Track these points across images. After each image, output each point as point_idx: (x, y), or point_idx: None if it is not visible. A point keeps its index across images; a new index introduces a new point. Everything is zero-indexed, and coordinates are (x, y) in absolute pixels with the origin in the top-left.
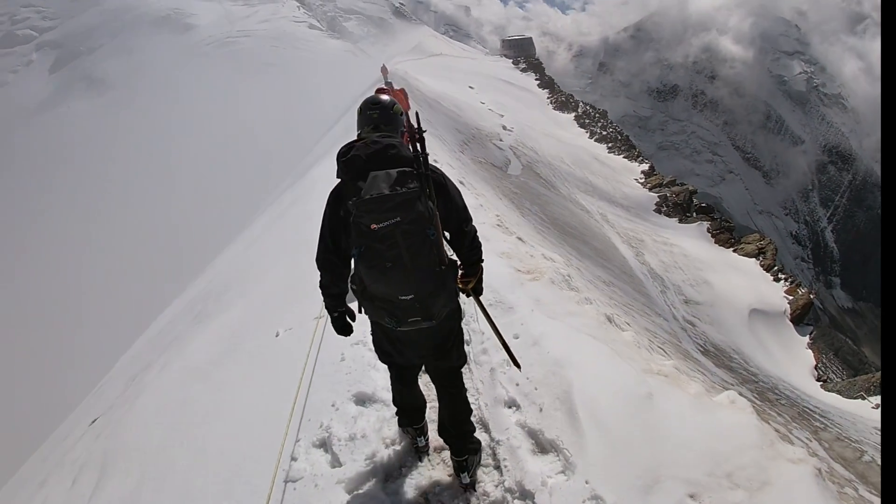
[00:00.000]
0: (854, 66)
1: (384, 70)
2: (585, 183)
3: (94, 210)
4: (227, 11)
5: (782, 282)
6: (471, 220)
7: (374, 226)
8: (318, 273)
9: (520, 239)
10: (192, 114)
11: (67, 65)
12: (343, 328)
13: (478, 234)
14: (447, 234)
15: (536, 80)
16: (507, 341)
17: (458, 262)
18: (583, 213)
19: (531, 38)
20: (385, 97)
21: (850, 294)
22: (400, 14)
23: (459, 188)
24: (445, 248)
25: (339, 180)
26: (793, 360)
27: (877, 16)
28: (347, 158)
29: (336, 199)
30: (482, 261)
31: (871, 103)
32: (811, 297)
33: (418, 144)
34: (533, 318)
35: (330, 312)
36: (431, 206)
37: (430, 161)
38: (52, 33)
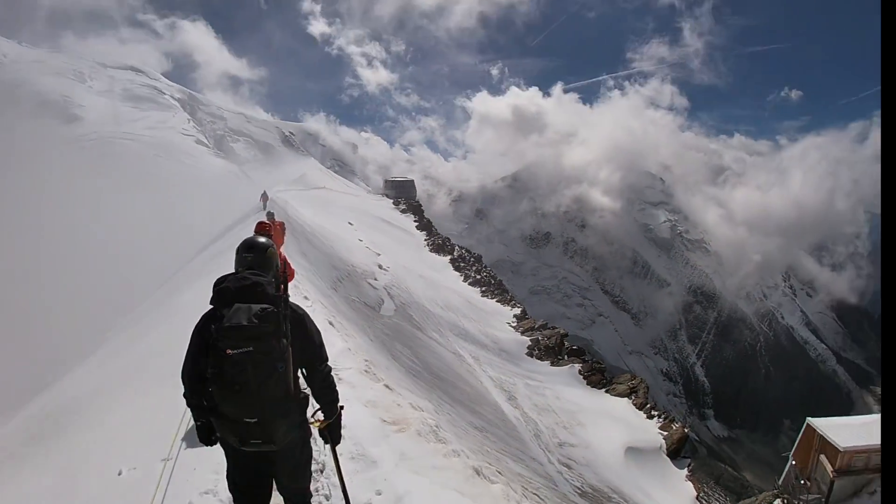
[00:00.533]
0: (715, 214)
1: (264, 197)
2: (458, 327)
3: None
4: (117, 111)
5: (656, 418)
6: (325, 360)
7: (229, 351)
8: (182, 390)
9: (388, 387)
10: (58, 208)
11: None
12: (206, 437)
13: (332, 373)
14: (303, 370)
15: (415, 221)
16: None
17: (313, 399)
18: (455, 357)
19: (413, 180)
20: (262, 240)
21: (725, 423)
22: (289, 143)
23: (328, 329)
24: (301, 384)
25: (211, 306)
26: (673, 494)
27: (736, 167)
28: (220, 289)
29: (205, 322)
30: (337, 401)
31: (732, 246)
32: (685, 430)
33: (282, 286)
34: (397, 474)
35: (195, 420)
36: (285, 342)
37: (300, 299)
38: None
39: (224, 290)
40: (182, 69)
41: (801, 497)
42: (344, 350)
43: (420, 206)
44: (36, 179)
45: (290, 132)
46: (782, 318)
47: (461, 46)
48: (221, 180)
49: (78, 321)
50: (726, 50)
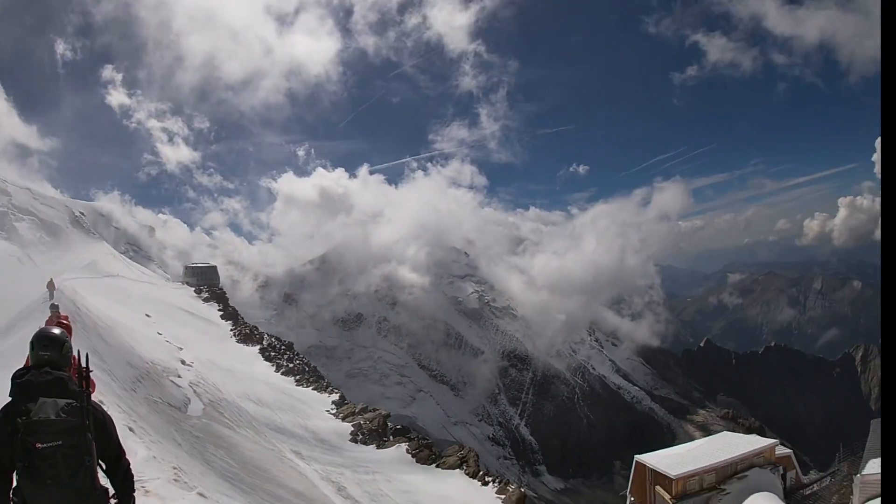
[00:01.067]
0: (518, 281)
1: (51, 285)
2: (274, 421)
3: None
4: None
5: (491, 484)
6: (124, 454)
7: (38, 445)
8: None
9: (202, 495)
10: None
11: None
12: None
13: (131, 467)
14: (102, 464)
15: (220, 310)
16: None
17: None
18: (275, 455)
19: (216, 266)
20: (56, 331)
21: (559, 476)
22: (78, 224)
23: (128, 435)
24: (101, 478)
25: (9, 399)
26: None
27: (533, 237)
28: (22, 382)
29: (6, 416)
30: (134, 492)
31: (538, 309)
32: (522, 490)
33: (84, 382)
34: None
35: None
36: (90, 437)
37: (95, 398)
38: None
39: (27, 384)
40: None
41: None
42: (148, 458)
43: (224, 293)
44: None
45: (80, 212)
46: (593, 368)
47: (267, 124)
48: (2, 266)
49: None
50: (520, 131)
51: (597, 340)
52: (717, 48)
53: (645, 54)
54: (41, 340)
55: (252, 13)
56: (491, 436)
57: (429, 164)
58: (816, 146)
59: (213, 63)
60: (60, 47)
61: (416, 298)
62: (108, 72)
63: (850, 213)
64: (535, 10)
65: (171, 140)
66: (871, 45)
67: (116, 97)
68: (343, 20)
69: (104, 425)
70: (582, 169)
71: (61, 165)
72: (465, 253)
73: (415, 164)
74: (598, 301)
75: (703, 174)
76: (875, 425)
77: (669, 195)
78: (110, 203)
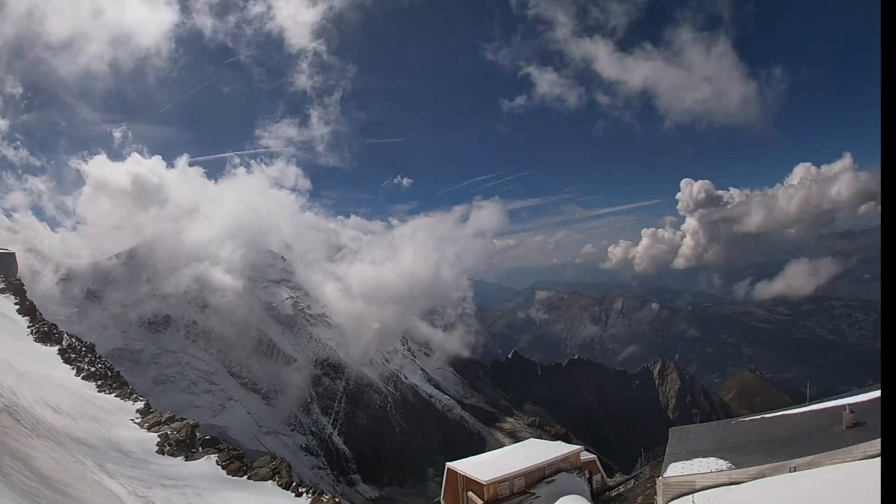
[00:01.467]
0: (334, 288)
1: None
2: (77, 429)
3: None
4: None
5: (304, 495)
6: None
7: None
8: None
9: None
10: None
11: None
12: None
13: None
14: None
15: (16, 303)
16: None
17: None
18: (78, 467)
19: (14, 253)
20: None
21: (374, 484)
22: None
23: None
24: None
25: None
26: None
27: (352, 245)
28: None
29: None
30: None
31: (352, 318)
32: (336, 500)
33: None
34: None
35: None
36: None
37: None
38: None
39: None
40: None
41: None
42: None
43: (22, 284)
44: None
45: None
46: (406, 377)
47: (84, 96)
48: None
49: None
50: (350, 137)
51: (409, 350)
52: (547, 82)
53: (480, 78)
54: None
55: None
56: (304, 445)
57: (252, 162)
58: (626, 181)
59: (33, 15)
60: None
61: (228, 302)
62: None
63: (652, 242)
64: (382, 19)
65: None
66: (689, 98)
67: None
68: None
69: None
70: (406, 181)
71: None
72: (282, 257)
73: (237, 160)
74: (412, 311)
75: (520, 197)
76: (673, 432)
77: (487, 214)
78: None
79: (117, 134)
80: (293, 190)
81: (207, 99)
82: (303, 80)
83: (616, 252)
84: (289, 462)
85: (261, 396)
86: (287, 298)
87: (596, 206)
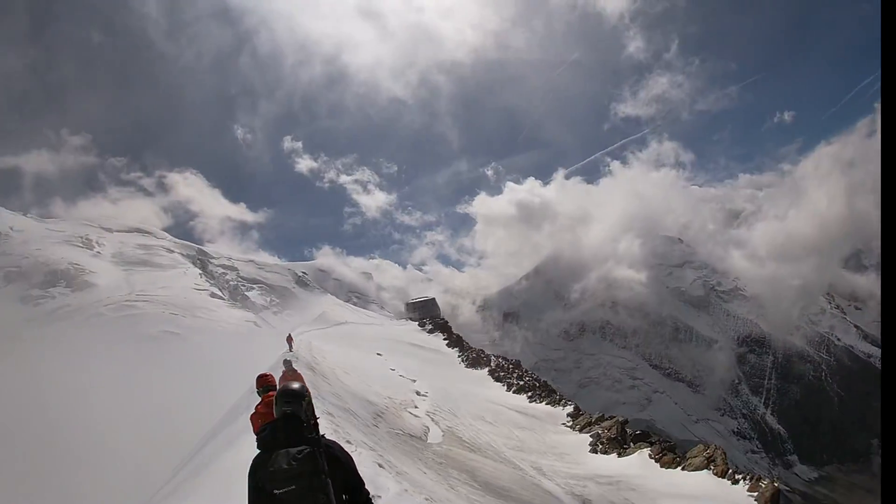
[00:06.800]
0: (740, 256)
1: (290, 339)
2: (512, 439)
3: None
4: (129, 274)
5: (741, 482)
6: (363, 484)
7: (276, 491)
8: None
9: None
10: (81, 376)
11: None
12: None
13: (371, 497)
14: (345, 496)
15: (445, 339)
16: None
17: None
18: (515, 472)
19: (434, 298)
20: (296, 386)
21: (812, 464)
22: (303, 283)
23: (379, 472)
24: None
25: (258, 452)
26: None
27: (750, 206)
28: (262, 437)
29: (253, 469)
30: None
31: (768, 283)
32: (775, 485)
33: (315, 427)
34: None
35: None
36: (324, 477)
37: (343, 443)
38: None
39: (265, 438)
40: (182, 221)
41: None
42: (400, 492)
43: (447, 323)
44: (58, 351)
45: (302, 272)
46: (838, 339)
47: (452, 155)
48: (242, 331)
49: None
50: (705, 92)
51: (838, 307)
52: None
53: None
54: (284, 396)
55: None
56: (735, 430)
57: (625, 154)
58: None
59: (394, 109)
60: (240, 133)
61: (636, 295)
62: (287, 143)
63: None
64: None
65: (365, 189)
66: None
67: (304, 164)
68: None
69: (339, 463)
70: (787, 116)
71: (273, 233)
72: (679, 239)
73: (608, 158)
74: (832, 261)
75: None
76: None
77: None
78: (326, 258)
79: (489, 172)
80: (675, 166)
81: (555, 116)
82: (635, 47)
83: None
84: (723, 449)
85: (686, 384)
86: (695, 279)
87: None
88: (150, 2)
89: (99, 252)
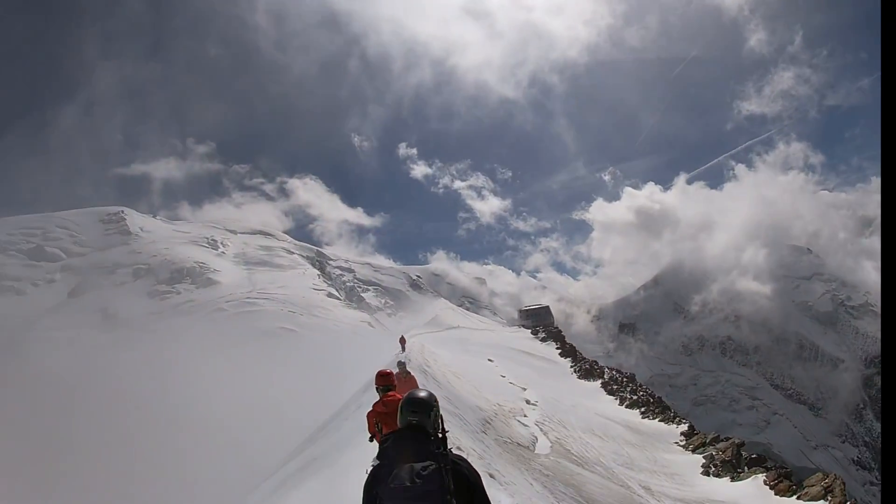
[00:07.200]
0: (871, 268)
1: (402, 341)
2: (622, 455)
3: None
4: (250, 273)
5: None
6: (489, 502)
7: None
8: None
9: None
10: (202, 366)
11: (86, 293)
12: None
13: None
14: None
15: (558, 348)
16: None
17: None
18: (623, 490)
19: (548, 306)
20: (423, 395)
21: None
22: (417, 286)
23: (490, 482)
24: None
25: (376, 462)
26: None
27: None
28: (383, 448)
29: (371, 481)
30: None
31: None
32: None
33: (442, 442)
34: None
35: None
36: (450, 498)
37: (454, 450)
38: (79, 259)
39: (387, 450)
40: (302, 224)
41: None
42: None
43: (560, 332)
44: (182, 342)
45: (416, 276)
46: None
47: (567, 159)
48: (357, 331)
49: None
50: (836, 86)
51: None
52: None
53: None
54: (410, 405)
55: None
56: (856, 458)
57: (751, 156)
58: None
59: (504, 110)
60: (356, 140)
61: (760, 309)
62: (402, 150)
63: None
64: None
65: (479, 195)
66: None
67: (419, 170)
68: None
69: (466, 482)
70: None
71: (389, 237)
72: (808, 248)
73: (732, 162)
74: None
75: None
76: None
77: None
78: (440, 263)
79: (606, 177)
80: (804, 169)
81: (673, 118)
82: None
83: None
84: (842, 479)
85: (807, 407)
86: (823, 293)
87: None
88: (259, 13)
89: (223, 252)
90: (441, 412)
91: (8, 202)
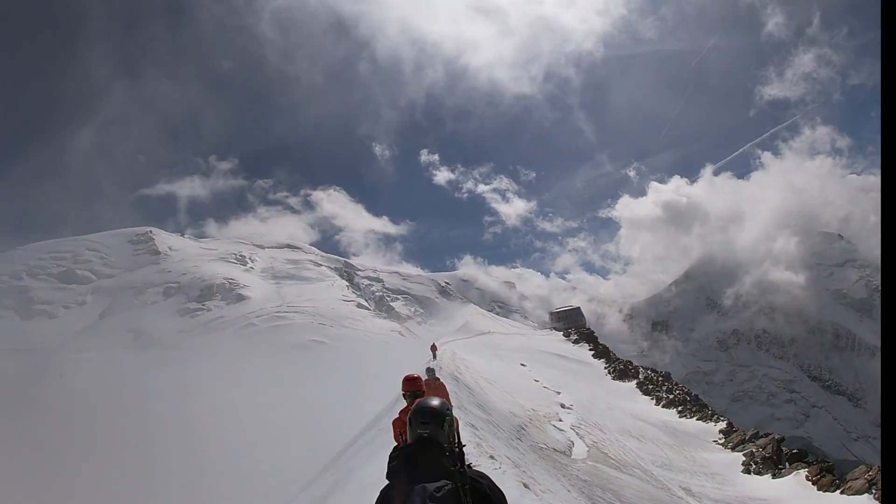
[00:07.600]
0: None
1: (433, 349)
2: (660, 456)
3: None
4: (279, 288)
5: None
6: None
7: None
8: None
9: None
10: (234, 383)
11: (117, 314)
12: None
13: None
14: None
15: (591, 350)
16: None
17: None
18: (662, 492)
19: (579, 307)
20: (435, 403)
21: None
22: (446, 293)
23: (525, 493)
24: None
25: (387, 482)
26: None
27: None
28: (392, 467)
29: (381, 501)
30: None
31: None
32: None
33: (458, 458)
34: None
35: None
36: None
37: (486, 459)
38: (109, 280)
39: (396, 469)
40: (329, 236)
41: None
42: None
43: (592, 333)
44: (214, 359)
45: (445, 282)
46: None
47: (590, 153)
48: (388, 340)
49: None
50: (858, 64)
51: None
52: None
53: None
54: (420, 416)
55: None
56: None
57: (777, 143)
58: None
59: (521, 106)
60: (377, 148)
61: (794, 299)
62: (424, 156)
63: None
64: None
65: (503, 198)
66: None
67: (441, 175)
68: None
69: (488, 502)
70: None
71: (416, 245)
72: (839, 234)
73: (758, 150)
74: None
75: None
76: None
77: None
78: (468, 268)
79: (631, 173)
80: (831, 153)
81: (694, 111)
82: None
83: None
84: None
85: (846, 398)
86: (857, 280)
87: None
88: (264, 23)
89: (251, 267)
90: (455, 421)
91: (33, 226)
